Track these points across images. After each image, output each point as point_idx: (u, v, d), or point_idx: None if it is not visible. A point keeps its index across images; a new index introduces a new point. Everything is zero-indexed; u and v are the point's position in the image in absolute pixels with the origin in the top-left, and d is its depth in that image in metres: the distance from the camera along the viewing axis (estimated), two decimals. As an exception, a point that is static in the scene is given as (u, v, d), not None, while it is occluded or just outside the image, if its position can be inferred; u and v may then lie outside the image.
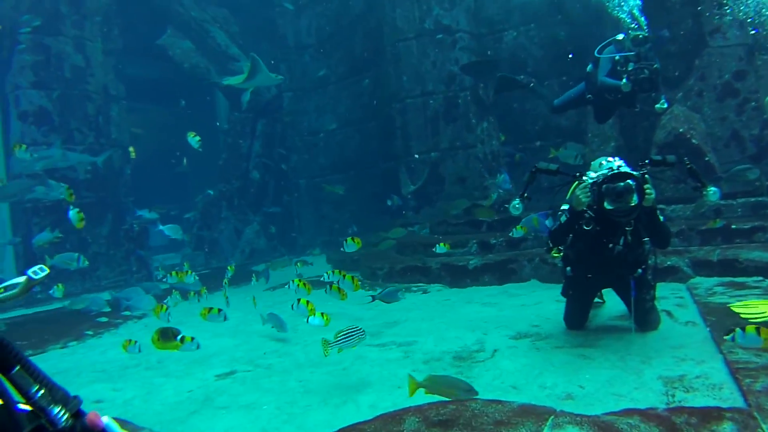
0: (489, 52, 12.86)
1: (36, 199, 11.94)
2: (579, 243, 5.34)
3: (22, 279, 1.28)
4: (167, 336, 5.53)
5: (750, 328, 4.02)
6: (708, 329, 5.15)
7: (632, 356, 4.76)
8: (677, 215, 8.63)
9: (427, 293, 8.71)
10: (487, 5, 12.96)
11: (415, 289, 9.15)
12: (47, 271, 1.28)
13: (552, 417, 3.54)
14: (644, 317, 5.37)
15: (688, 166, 5.46)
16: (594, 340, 5.37)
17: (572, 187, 5.49)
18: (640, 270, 5.25)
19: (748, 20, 9.47)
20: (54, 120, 12.63)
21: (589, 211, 5.13)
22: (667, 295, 6.60)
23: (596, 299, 6.19)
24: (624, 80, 7.75)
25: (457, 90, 12.21)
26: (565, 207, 5.33)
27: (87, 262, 9.21)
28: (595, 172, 5.17)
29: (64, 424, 0.99)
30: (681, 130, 9.09)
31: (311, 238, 15.85)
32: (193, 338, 5.52)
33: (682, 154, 8.35)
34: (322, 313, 5.99)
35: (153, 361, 6.30)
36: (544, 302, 7.04)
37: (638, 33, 8.07)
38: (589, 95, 8.56)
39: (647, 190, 4.90)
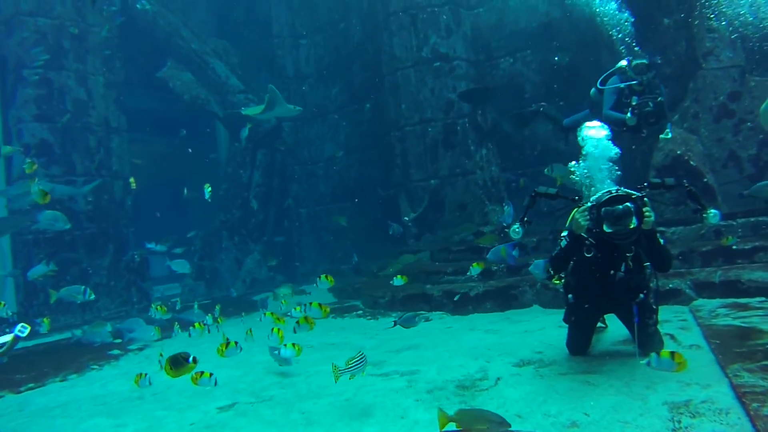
0: (486, 79, 12.96)
1: (37, 230, 11.97)
2: (580, 270, 5.34)
3: (8, 338, 1.28)
4: (178, 362, 5.45)
5: (664, 353, 4.37)
6: (713, 353, 5.12)
7: (637, 382, 4.72)
8: (678, 237, 8.62)
9: (430, 321, 8.68)
10: (483, 33, 13.12)
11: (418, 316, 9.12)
12: (29, 328, 1.28)
13: (558, 446, 3.51)
14: (647, 342, 5.33)
15: (687, 189, 5.47)
16: (598, 366, 5.33)
17: (572, 214, 5.50)
18: (642, 295, 5.23)
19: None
20: (56, 152, 12.72)
21: (589, 238, 5.13)
22: (670, 318, 6.58)
23: (599, 324, 6.16)
24: (629, 114, 7.84)
25: (455, 117, 12.30)
26: (564, 233, 5.33)
27: (93, 296, 9.20)
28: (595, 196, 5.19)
29: None
30: (679, 152, 9.12)
31: (313, 267, 15.82)
32: (211, 374, 5.42)
33: (680, 176, 8.42)
34: (293, 344, 6.10)
35: (155, 393, 6.25)
36: (547, 328, 7.01)
37: (640, 60, 8.06)
38: None
39: (646, 213, 4.91)
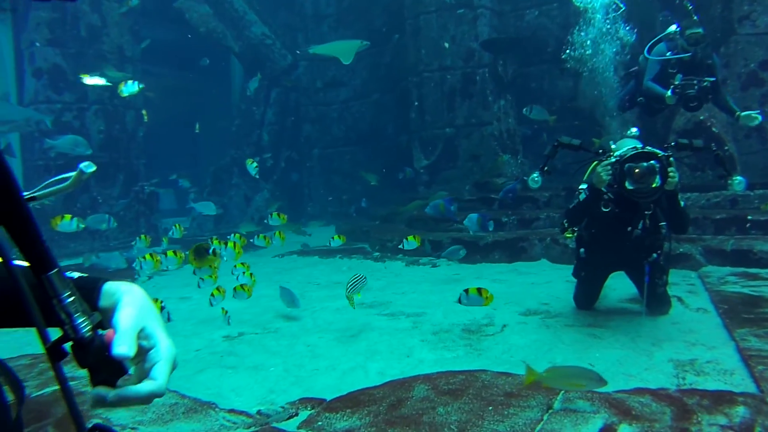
0: (510, 30, 12.68)
1: (48, 157, 11.95)
2: (595, 225, 5.28)
3: (73, 173, 1.26)
4: (201, 253, 5.51)
5: (472, 290, 4.98)
6: (720, 317, 5.12)
7: (643, 338, 4.74)
8: (692, 203, 8.55)
9: (437, 267, 8.70)
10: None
11: (424, 262, 9.15)
12: (94, 167, 1.26)
13: (563, 392, 3.54)
14: (656, 302, 5.33)
15: (715, 152, 5.37)
16: (604, 320, 5.35)
17: (591, 167, 5.42)
18: (655, 255, 5.18)
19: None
20: (68, 78, 12.59)
21: (608, 193, 5.06)
22: (678, 281, 6.57)
23: None
24: (669, 93, 7.09)
25: (475, 66, 12.07)
26: (583, 186, 5.25)
27: (116, 224, 9.26)
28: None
29: (84, 333, 0.98)
30: (701, 117, 8.96)
31: (321, 208, 15.84)
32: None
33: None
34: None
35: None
36: (554, 281, 7.02)
37: (694, 30, 7.16)
38: (641, 98, 7.85)
39: (671, 173, 4.80)
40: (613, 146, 5.25)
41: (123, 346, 1.04)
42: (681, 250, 7.37)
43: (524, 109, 10.47)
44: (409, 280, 7.66)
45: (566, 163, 8.09)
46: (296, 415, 3.66)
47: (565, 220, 5.48)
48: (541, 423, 3.15)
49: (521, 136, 12.19)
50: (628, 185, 4.82)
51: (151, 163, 14.95)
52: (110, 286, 1.17)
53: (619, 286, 6.32)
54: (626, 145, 5.11)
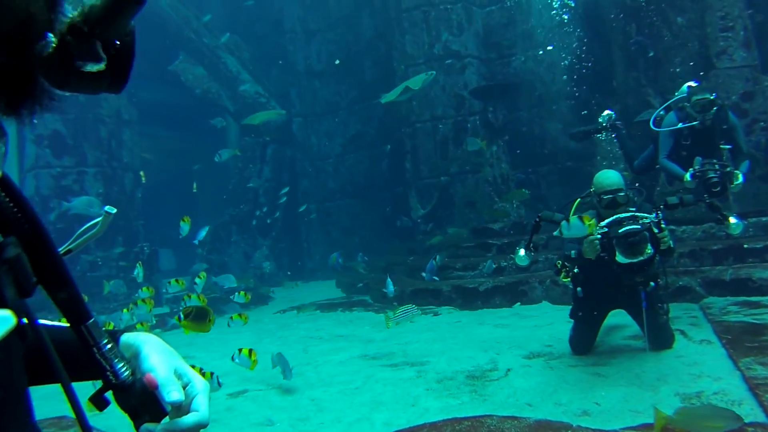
0: (498, 77, 12.97)
1: (67, 218, 12.04)
2: (590, 263, 5.12)
3: (99, 218, 1.33)
4: (200, 316, 5.48)
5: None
6: (724, 347, 5.11)
7: (647, 374, 4.73)
8: (688, 236, 8.60)
9: (438, 315, 8.69)
10: (495, 31, 13.11)
11: (426, 311, 9.12)
12: (116, 209, 1.32)
13: (569, 431, 3.52)
14: (657, 333, 5.29)
15: (708, 202, 5.41)
16: (608, 358, 5.34)
17: (575, 204, 5.46)
18: (652, 284, 5.15)
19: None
20: (68, 143, 12.80)
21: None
22: (680, 315, 6.56)
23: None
24: (688, 177, 6.46)
25: (466, 114, 12.30)
26: (572, 254, 5.15)
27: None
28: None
29: (126, 378, 1.04)
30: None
31: (321, 263, 15.85)
32: (212, 374, 5.40)
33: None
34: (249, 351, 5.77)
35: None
36: (557, 323, 7.00)
37: (702, 96, 6.63)
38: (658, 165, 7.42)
39: (663, 238, 4.78)
40: (593, 185, 5.26)
41: (174, 393, 1.09)
42: (681, 283, 7.38)
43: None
44: (411, 330, 7.64)
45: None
46: (303, 471, 3.62)
47: (558, 261, 5.48)
48: (550, 465, 3.13)
49: (515, 181, 12.31)
50: (619, 258, 4.73)
51: (149, 223, 15.05)
52: (128, 337, 1.23)
53: (621, 324, 6.33)
54: (608, 180, 5.13)
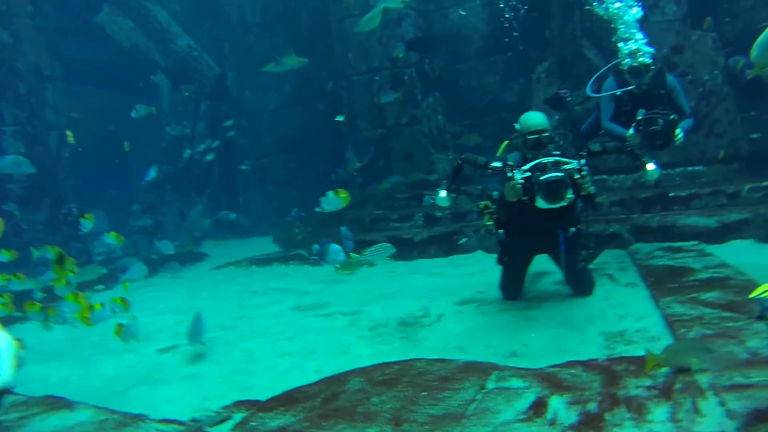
0: (436, 28, 12.81)
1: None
2: (512, 205, 5.07)
3: None
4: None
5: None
6: (647, 289, 5.27)
7: (575, 315, 4.84)
8: (619, 185, 8.80)
9: (374, 266, 8.65)
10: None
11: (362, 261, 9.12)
12: None
13: (496, 371, 3.56)
14: (576, 278, 5.39)
15: (629, 150, 5.46)
16: (538, 303, 5.44)
17: (503, 145, 5.46)
18: (572, 229, 5.19)
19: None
20: (-19, 99, 12.05)
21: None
22: (609, 260, 6.75)
23: None
24: (631, 130, 6.17)
25: (402, 66, 12.13)
26: (497, 164, 5.07)
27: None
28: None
29: None
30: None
31: (258, 219, 15.60)
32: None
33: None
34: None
35: (92, 341, 6.07)
36: (490, 270, 7.00)
37: (639, 61, 6.39)
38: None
39: (584, 185, 4.81)
40: (516, 126, 5.25)
41: None
42: (611, 230, 7.58)
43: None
44: (345, 280, 7.63)
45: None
46: (229, 418, 3.55)
47: (480, 203, 5.36)
48: (475, 402, 3.15)
49: (451, 133, 12.29)
50: (539, 203, 4.73)
51: (80, 183, 14.46)
52: None
53: (552, 270, 6.44)
54: (534, 120, 5.15)
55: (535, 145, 5.08)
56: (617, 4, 6.95)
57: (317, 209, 6.78)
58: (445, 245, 8.77)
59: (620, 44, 6.81)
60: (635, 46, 6.58)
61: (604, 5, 7.17)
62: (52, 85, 13.54)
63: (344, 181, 12.33)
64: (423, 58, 11.95)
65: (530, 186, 4.76)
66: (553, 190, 4.64)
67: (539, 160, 4.86)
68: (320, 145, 14.69)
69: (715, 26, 9.83)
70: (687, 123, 6.25)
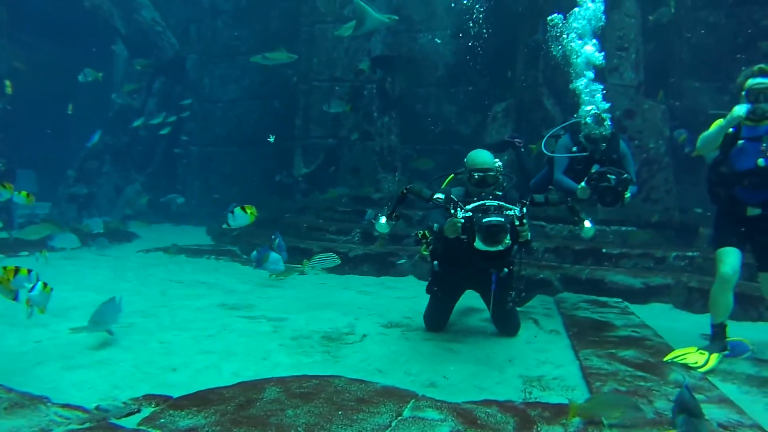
0: (403, 50, 12.93)
1: None
2: (448, 240, 5.11)
3: None
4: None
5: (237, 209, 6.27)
6: (569, 338, 5.40)
7: (497, 355, 4.90)
8: (556, 233, 9.04)
9: (305, 275, 8.59)
10: (409, 4, 13.03)
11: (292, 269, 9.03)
12: None
13: (413, 400, 3.57)
14: (503, 317, 5.47)
15: (569, 206, 5.58)
16: (463, 336, 5.49)
17: (448, 179, 5.55)
18: (506, 269, 5.29)
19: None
20: None
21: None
22: (536, 305, 6.88)
23: None
24: (582, 184, 6.11)
25: (364, 81, 12.20)
26: (439, 196, 5.14)
27: None
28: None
29: None
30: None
31: (195, 208, 15.27)
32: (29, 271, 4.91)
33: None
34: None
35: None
36: (419, 297, 7.05)
37: (595, 130, 6.33)
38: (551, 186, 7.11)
39: (522, 232, 4.89)
40: (466, 161, 5.31)
41: None
42: (541, 276, 7.76)
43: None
44: (274, 285, 7.56)
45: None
46: (138, 411, 3.44)
47: (419, 231, 5.45)
48: (389, 429, 3.15)
49: (401, 155, 12.39)
50: (477, 245, 4.75)
51: (13, 140, 13.83)
52: None
53: (481, 307, 6.53)
54: (480, 158, 5.22)
55: (480, 182, 5.18)
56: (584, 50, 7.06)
57: (224, 226, 6.76)
58: (378, 265, 8.79)
59: (582, 106, 6.85)
60: (594, 111, 6.59)
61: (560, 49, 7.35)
62: (-5, 29, 12.94)
63: (288, 185, 12.24)
64: (386, 76, 12.04)
65: (470, 226, 4.80)
66: (492, 234, 4.68)
67: (483, 202, 4.92)
68: (270, 144, 14.54)
69: (665, 100, 10.29)
70: (632, 189, 6.41)
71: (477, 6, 12.25)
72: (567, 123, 6.98)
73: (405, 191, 5.32)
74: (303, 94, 12.56)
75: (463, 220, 4.80)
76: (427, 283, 5.68)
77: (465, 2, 12.26)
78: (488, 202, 4.92)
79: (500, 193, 5.21)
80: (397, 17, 9.17)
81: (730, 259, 4.91)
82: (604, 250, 8.30)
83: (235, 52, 15.94)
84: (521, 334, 5.54)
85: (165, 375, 4.21)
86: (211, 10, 16.26)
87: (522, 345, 5.27)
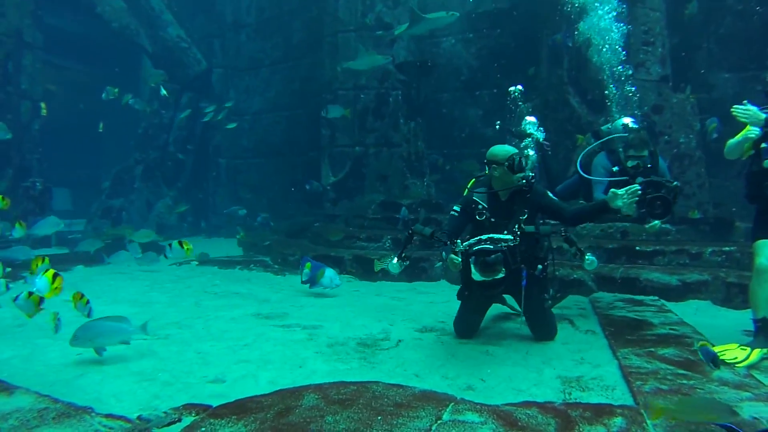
0: (426, 55, 12.94)
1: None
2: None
3: None
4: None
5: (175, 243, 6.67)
6: (606, 338, 5.33)
7: (533, 356, 4.86)
8: (587, 233, 8.93)
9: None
10: (430, 9, 13.03)
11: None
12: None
13: (452, 404, 3.56)
14: (538, 321, 5.38)
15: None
16: (498, 339, 5.46)
17: (469, 183, 5.55)
18: (539, 266, 5.25)
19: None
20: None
21: (481, 202, 5.25)
22: (570, 305, 6.81)
23: (512, 310, 6.24)
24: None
25: (389, 88, 12.21)
26: (456, 208, 5.33)
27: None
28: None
29: None
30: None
31: (226, 220, 15.44)
32: (86, 300, 5.11)
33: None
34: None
35: (39, 322, 5.88)
36: (452, 301, 6.97)
37: (635, 156, 6.02)
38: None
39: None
40: (488, 154, 5.29)
41: None
42: (574, 276, 7.67)
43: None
44: (308, 293, 7.58)
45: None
46: (179, 420, 3.48)
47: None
48: (429, 433, 3.14)
49: (429, 160, 12.38)
50: (474, 275, 4.76)
51: (48, 159, 14.16)
52: None
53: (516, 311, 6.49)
54: (502, 152, 5.21)
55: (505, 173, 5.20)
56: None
57: (166, 256, 7.05)
58: (410, 270, 8.77)
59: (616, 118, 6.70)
60: (632, 124, 6.34)
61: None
62: (31, 53, 13.29)
63: (317, 194, 12.30)
64: (411, 82, 12.03)
65: (467, 261, 4.79)
66: (486, 268, 4.67)
67: (480, 237, 4.88)
68: (297, 154, 14.66)
69: (693, 93, 10.13)
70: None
71: (497, 8, 12.27)
72: (603, 140, 6.62)
73: (410, 232, 5.33)
74: (328, 103, 12.61)
75: (459, 259, 4.69)
76: (459, 287, 5.63)
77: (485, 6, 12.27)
78: (484, 237, 4.88)
79: (527, 182, 5.21)
80: (457, 14, 9.30)
81: (767, 250, 4.83)
82: (637, 248, 8.17)
83: (259, 65, 16.14)
84: (557, 335, 5.47)
85: (203, 385, 4.25)
86: (234, 25, 16.49)
87: (558, 346, 5.21)
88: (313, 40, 13.81)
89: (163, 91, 14.55)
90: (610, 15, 9.23)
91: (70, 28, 15.72)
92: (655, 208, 5.52)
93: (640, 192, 4.94)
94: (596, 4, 9.21)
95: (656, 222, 5.51)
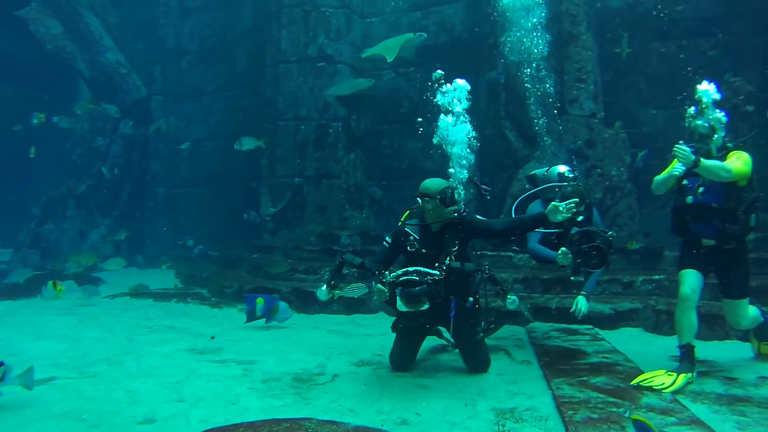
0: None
1: None
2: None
3: None
4: None
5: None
6: (541, 368, 5.42)
7: (469, 388, 4.89)
8: (524, 264, 9.10)
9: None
10: (372, 42, 13.19)
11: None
12: None
13: (386, 440, 3.54)
14: (471, 353, 5.40)
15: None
16: (434, 372, 5.48)
17: (404, 215, 5.66)
18: (471, 299, 5.30)
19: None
20: None
21: (413, 234, 5.37)
22: (507, 336, 6.92)
23: (443, 341, 6.28)
24: (560, 253, 5.63)
25: (329, 119, 12.27)
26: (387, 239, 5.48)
27: None
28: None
29: None
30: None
31: (163, 250, 15.07)
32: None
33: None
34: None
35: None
36: (390, 334, 7.04)
37: (573, 186, 5.95)
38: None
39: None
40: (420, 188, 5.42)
41: None
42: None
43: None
44: (243, 327, 7.47)
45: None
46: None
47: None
48: (361, 471, 3.11)
49: (368, 192, 12.43)
50: (399, 306, 4.85)
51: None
52: None
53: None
54: (433, 185, 5.37)
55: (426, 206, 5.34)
56: None
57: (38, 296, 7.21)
58: (349, 302, 8.72)
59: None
60: (568, 173, 6.37)
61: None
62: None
63: (256, 225, 12.17)
64: (351, 114, 12.12)
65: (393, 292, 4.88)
66: (410, 299, 4.77)
67: (407, 269, 4.94)
68: (238, 183, 14.48)
69: (623, 128, 10.51)
70: (598, 271, 6.10)
71: (438, 43, 12.52)
72: (539, 188, 6.56)
73: (341, 261, 5.41)
74: (268, 134, 12.56)
75: (387, 290, 4.86)
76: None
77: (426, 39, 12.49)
78: (411, 269, 4.93)
79: (458, 215, 5.31)
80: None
81: (689, 279, 5.12)
82: (572, 278, 8.36)
83: (200, 93, 15.97)
84: (492, 366, 5.52)
85: (131, 426, 4.10)
86: (176, 51, 16.29)
87: (494, 377, 5.26)
88: (256, 70, 13.77)
89: (114, 108, 14.09)
90: (542, 52, 9.62)
91: (3, 48, 15.22)
92: (590, 258, 5.46)
93: (577, 203, 5.01)
94: (528, 44, 9.58)
95: (514, 301, 5.64)
